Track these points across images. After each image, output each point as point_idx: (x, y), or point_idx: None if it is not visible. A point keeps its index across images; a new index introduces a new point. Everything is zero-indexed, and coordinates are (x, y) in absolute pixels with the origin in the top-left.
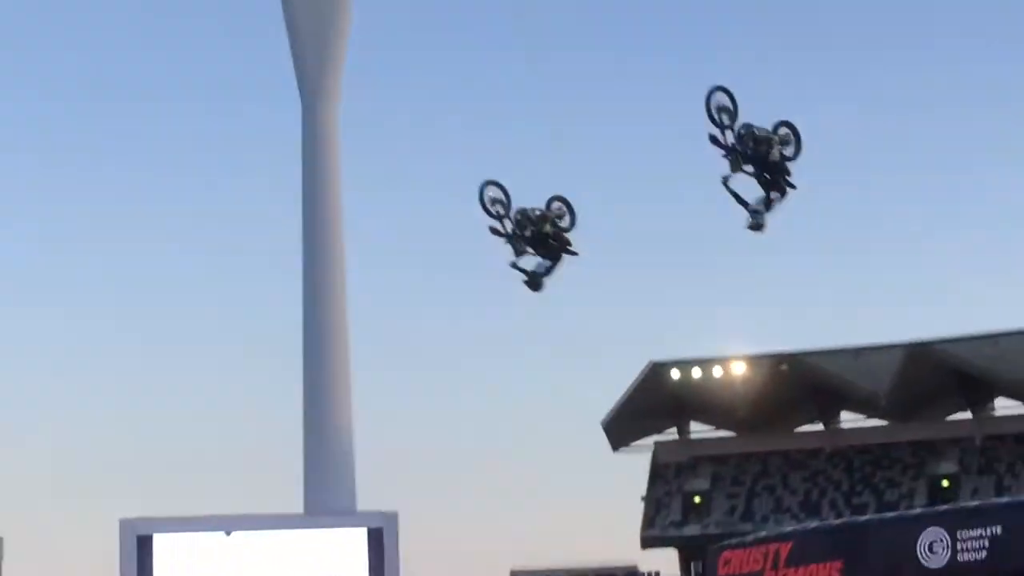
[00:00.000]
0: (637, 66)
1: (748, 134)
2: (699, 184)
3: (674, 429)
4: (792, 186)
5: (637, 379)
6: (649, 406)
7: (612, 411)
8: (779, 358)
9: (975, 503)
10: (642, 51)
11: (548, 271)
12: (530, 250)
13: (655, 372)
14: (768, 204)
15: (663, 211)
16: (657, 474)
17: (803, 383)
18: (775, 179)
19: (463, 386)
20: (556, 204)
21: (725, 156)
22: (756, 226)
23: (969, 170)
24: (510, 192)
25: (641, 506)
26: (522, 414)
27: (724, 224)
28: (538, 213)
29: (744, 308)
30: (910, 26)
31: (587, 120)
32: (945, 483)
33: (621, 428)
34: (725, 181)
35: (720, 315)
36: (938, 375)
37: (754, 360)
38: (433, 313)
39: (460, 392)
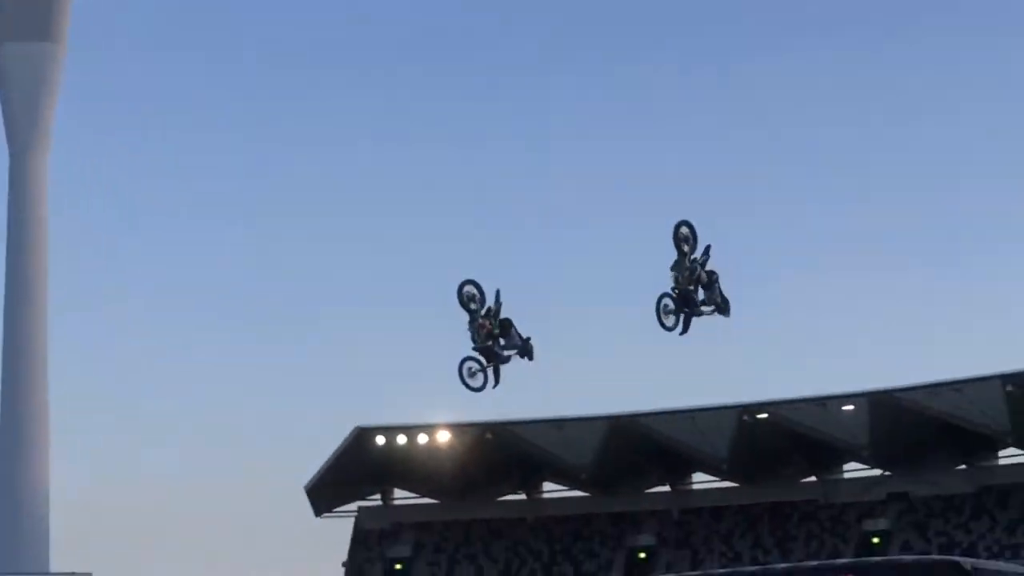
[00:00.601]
0: None
1: (682, 292)
2: (407, 248)
3: (378, 495)
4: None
5: (342, 444)
6: (353, 471)
7: (316, 476)
8: (484, 427)
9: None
10: None
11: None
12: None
13: (360, 438)
14: (723, 297)
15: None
16: (359, 540)
17: (507, 453)
18: (710, 280)
19: (164, 446)
20: (467, 288)
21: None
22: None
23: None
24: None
25: (342, 572)
26: (223, 476)
27: (432, 289)
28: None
29: (451, 376)
30: None
31: None
32: (642, 555)
33: (325, 493)
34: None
35: (427, 383)
36: (638, 449)
37: (459, 428)
38: (135, 376)
39: (160, 453)
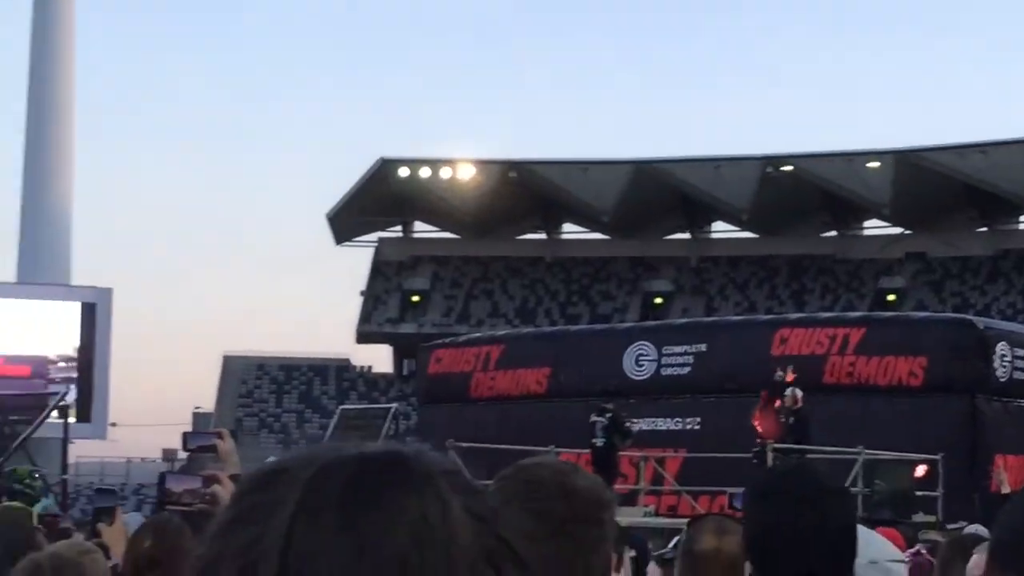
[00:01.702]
0: None
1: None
2: None
3: (399, 227)
4: None
5: (365, 174)
6: (375, 202)
7: (338, 204)
8: (508, 165)
9: (683, 320)
10: None
11: None
12: None
13: (384, 169)
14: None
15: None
16: (378, 270)
17: (530, 192)
18: None
19: (188, 168)
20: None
21: None
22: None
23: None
24: None
25: (360, 301)
26: (246, 199)
27: (463, 25)
28: None
29: (479, 113)
30: None
31: None
32: (658, 300)
33: (346, 222)
34: None
35: (455, 118)
36: (661, 195)
37: (484, 165)
38: (163, 94)
39: (184, 174)
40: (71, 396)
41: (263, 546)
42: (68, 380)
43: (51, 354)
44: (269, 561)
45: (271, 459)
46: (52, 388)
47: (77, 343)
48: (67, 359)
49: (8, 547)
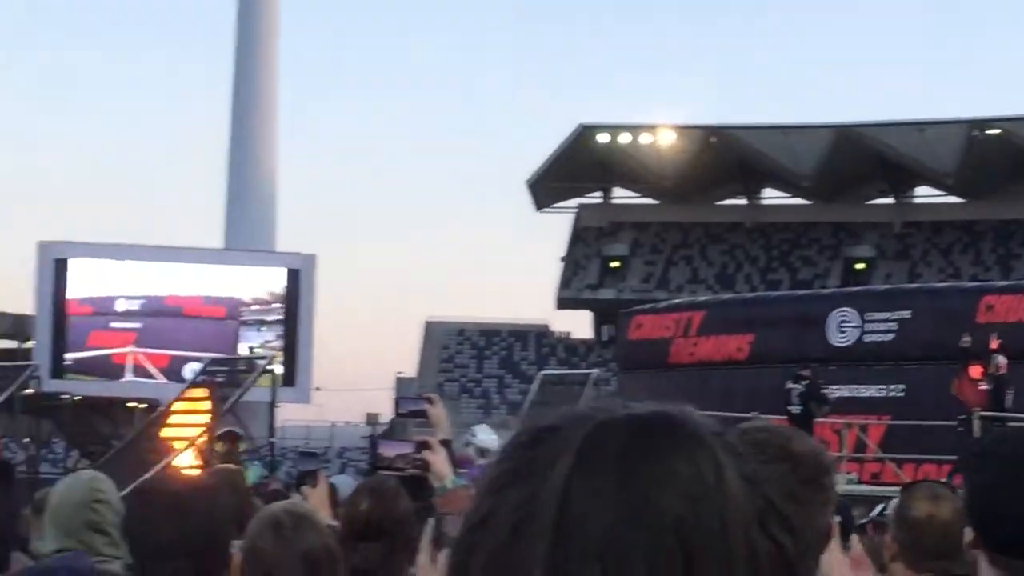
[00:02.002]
0: None
1: None
2: None
3: (598, 193)
4: None
5: (565, 140)
6: (575, 168)
7: (538, 170)
8: (709, 130)
9: (886, 287)
10: None
11: None
12: None
13: (584, 135)
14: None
15: None
16: (577, 236)
17: (730, 157)
18: None
19: (391, 135)
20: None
21: None
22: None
23: None
24: None
25: (559, 267)
26: (448, 167)
27: None
28: None
29: (679, 78)
30: None
31: None
32: (860, 266)
33: (546, 188)
34: None
35: (654, 84)
36: (863, 159)
37: (684, 130)
38: (366, 59)
39: (387, 141)
40: (277, 357)
41: (539, 503)
42: (260, 323)
43: (246, 297)
44: (545, 517)
45: (493, 421)
46: (243, 331)
47: (271, 289)
48: (261, 302)
49: (227, 509)
